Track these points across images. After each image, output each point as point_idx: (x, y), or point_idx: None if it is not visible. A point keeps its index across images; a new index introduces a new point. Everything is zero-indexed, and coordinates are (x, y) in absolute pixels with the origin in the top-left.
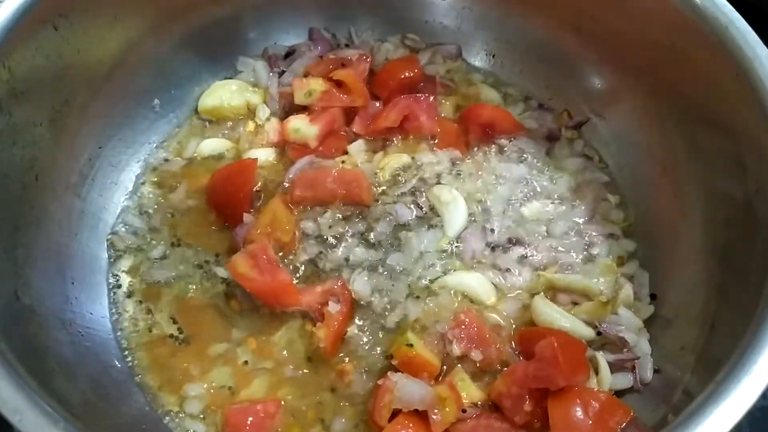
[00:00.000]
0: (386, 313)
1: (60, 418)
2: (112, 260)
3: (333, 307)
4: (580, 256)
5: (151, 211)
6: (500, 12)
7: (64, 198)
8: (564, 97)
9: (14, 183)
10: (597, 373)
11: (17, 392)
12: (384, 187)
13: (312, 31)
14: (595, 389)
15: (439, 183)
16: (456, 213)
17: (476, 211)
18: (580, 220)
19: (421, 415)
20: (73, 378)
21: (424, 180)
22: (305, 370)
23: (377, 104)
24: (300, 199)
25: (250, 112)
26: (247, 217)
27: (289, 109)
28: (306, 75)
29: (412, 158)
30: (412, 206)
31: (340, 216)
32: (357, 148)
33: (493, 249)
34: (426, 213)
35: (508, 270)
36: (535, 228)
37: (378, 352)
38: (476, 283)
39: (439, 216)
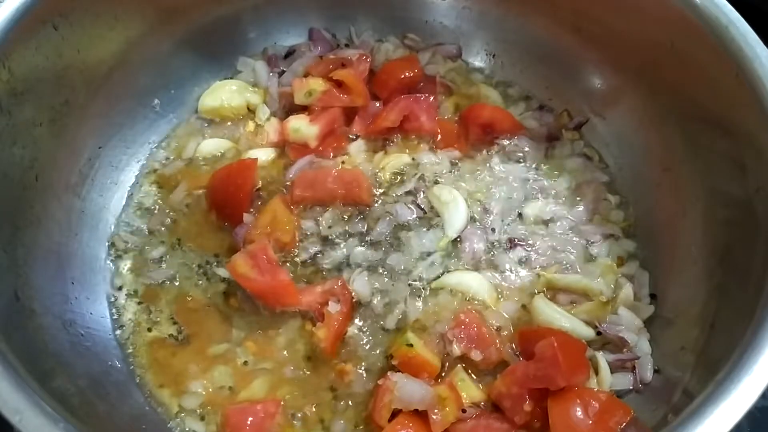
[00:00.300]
0: (386, 313)
1: (60, 418)
2: (112, 260)
3: (333, 307)
4: (580, 256)
5: (151, 211)
6: (500, 12)
7: (64, 198)
8: (564, 97)
9: (14, 183)
10: (597, 373)
11: (17, 392)
12: (384, 187)
13: (312, 31)
14: (595, 389)
15: (439, 183)
16: (456, 213)
17: (476, 211)
18: (580, 220)
19: (421, 415)
20: (73, 378)
21: (424, 180)
22: (305, 370)
23: (377, 104)
24: (300, 199)
25: (250, 112)
26: (247, 217)
27: (289, 109)
28: (306, 75)
29: (412, 158)
30: (412, 206)
31: (340, 216)
32: (357, 148)
33: (493, 249)
34: (426, 213)
35: (508, 270)
36: (535, 228)
37: (378, 352)
38: (476, 283)
39: (439, 216)
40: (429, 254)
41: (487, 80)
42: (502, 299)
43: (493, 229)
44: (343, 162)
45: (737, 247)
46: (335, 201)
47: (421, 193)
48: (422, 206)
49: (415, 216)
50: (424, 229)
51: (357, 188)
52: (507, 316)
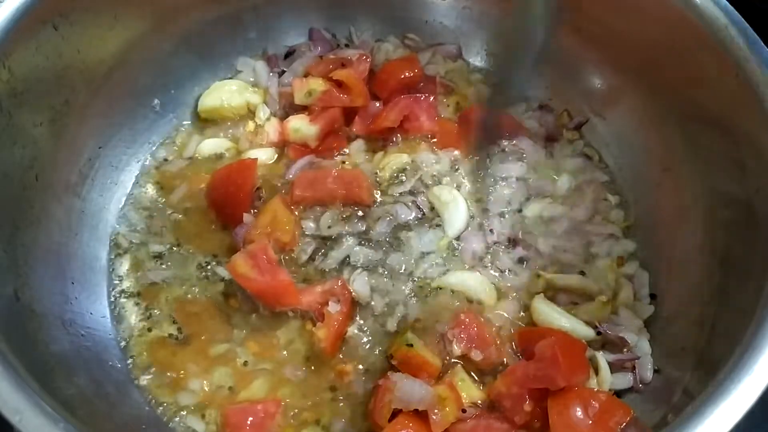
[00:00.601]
0: (386, 313)
1: (60, 418)
2: (112, 260)
3: (333, 307)
4: (580, 256)
5: (151, 211)
6: (500, 12)
7: (64, 198)
8: (564, 97)
9: (14, 183)
10: (597, 373)
11: (17, 392)
12: (384, 187)
13: (312, 31)
14: (595, 389)
15: (439, 183)
16: (456, 213)
17: (476, 211)
18: (580, 220)
19: (420, 415)
20: (73, 378)
21: (424, 180)
22: (305, 370)
23: (377, 104)
24: (300, 199)
25: (250, 112)
26: (247, 217)
27: (289, 109)
28: (306, 75)
29: (412, 159)
30: (411, 206)
31: (340, 216)
32: (357, 148)
33: (493, 249)
34: (426, 213)
35: (508, 270)
36: (535, 228)
37: (378, 352)
38: (476, 282)
39: (439, 216)
40: (429, 254)
41: (487, 80)
42: (502, 299)
43: (492, 230)
44: (343, 162)
45: (737, 247)
46: (335, 201)
47: (422, 193)
48: (422, 206)
49: (414, 216)
50: (424, 229)
51: (357, 188)
52: (507, 316)
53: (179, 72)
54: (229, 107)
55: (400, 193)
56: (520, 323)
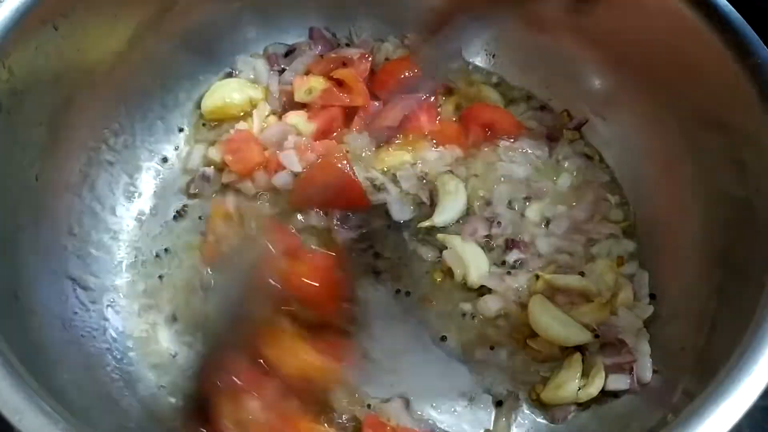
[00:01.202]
0: None
1: (60, 418)
2: (112, 260)
3: None
4: (580, 256)
5: (151, 211)
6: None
7: (64, 198)
8: (564, 97)
9: (14, 183)
10: (590, 376)
11: (17, 392)
12: (384, 186)
13: (312, 31)
14: None
15: (446, 174)
16: (454, 204)
17: (478, 204)
18: (580, 220)
19: None
20: (73, 378)
21: (425, 177)
22: None
23: (377, 104)
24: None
25: (253, 109)
26: None
27: (289, 107)
28: (307, 73)
29: (413, 157)
30: (410, 204)
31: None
32: (356, 138)
33: (491, 248)
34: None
35: (507, 272)
36: (534, 228)
37: None
38: (471, 251)
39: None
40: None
41: (487, 80)
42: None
43: (499, 222)
44: (347, 151)
45: (737, 247)
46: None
47: (421, 189)
48: (423, 200)
49: (413, 215)
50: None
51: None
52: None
53: (180, 71)
54: (232, 105)
55: (400, 191)
56: (518, 322)
